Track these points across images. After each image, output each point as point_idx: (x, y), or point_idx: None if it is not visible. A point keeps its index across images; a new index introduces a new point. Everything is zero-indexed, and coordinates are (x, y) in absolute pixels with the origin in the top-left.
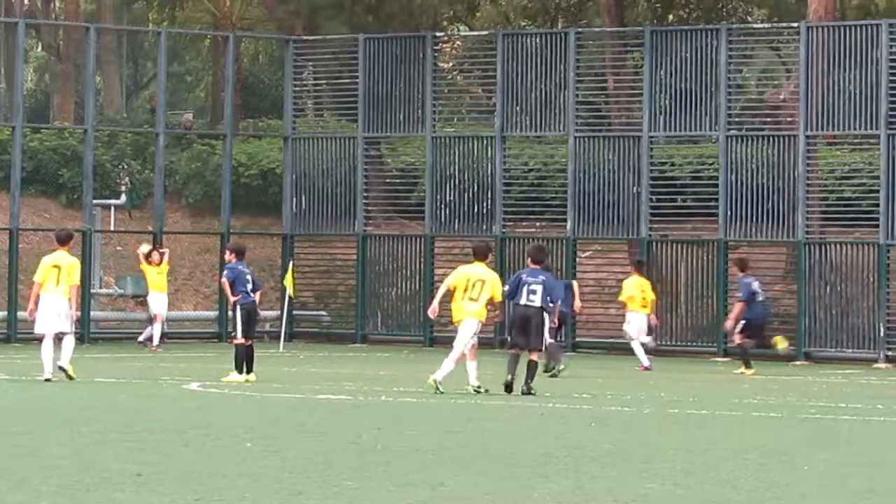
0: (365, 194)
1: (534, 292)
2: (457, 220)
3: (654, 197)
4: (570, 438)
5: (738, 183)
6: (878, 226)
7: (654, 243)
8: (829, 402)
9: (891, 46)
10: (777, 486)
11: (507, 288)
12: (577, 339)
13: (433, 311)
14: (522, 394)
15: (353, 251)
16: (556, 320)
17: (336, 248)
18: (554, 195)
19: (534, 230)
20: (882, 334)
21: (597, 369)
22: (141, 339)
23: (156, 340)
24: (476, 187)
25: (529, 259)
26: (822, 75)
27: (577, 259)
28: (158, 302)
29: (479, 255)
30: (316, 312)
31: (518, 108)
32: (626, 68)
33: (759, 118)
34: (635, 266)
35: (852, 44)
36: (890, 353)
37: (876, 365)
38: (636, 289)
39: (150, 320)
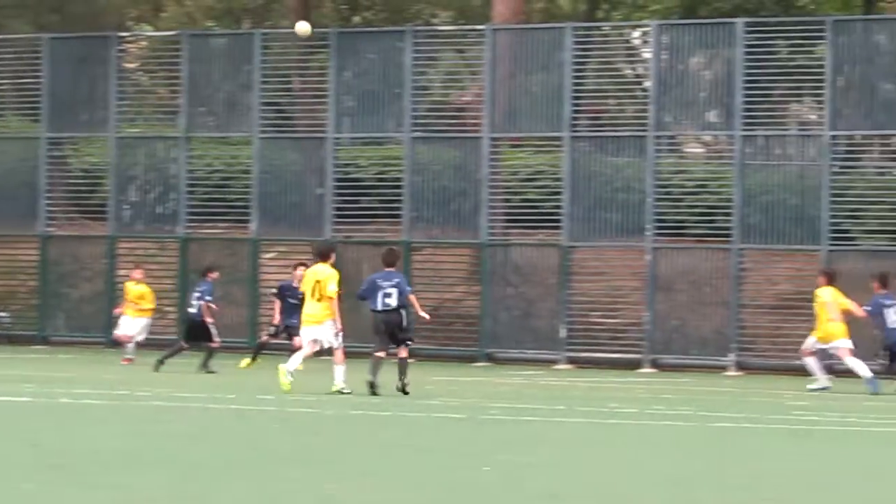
0: (48, 195)
1: (389, 296)
2: (140, 221)
3: (338, 198)
4: (254, 440)
5: (423, 185)
6: (560, 228)
7: (337, 245)
8: (511, 404)
9: (574, 50)
10: (458, 487)
11: (361, 289)
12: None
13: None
14: (398, 390)
15: (35, 252)
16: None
17: (17, 249)
18: (238, 196)
19: (218, 231)
20: (563, 336)
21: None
22: None
23: None
24: (160, 188)
25: (382, 262)
26: (506, 78)
27: (261, 260)
28: None
29: (321, 255)
30: None
31: (203, 109)
32: (311, 70)
33: (444, 120)
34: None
35: (537, 47)
36: (570, 355)
37: (556, 366)
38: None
39: None
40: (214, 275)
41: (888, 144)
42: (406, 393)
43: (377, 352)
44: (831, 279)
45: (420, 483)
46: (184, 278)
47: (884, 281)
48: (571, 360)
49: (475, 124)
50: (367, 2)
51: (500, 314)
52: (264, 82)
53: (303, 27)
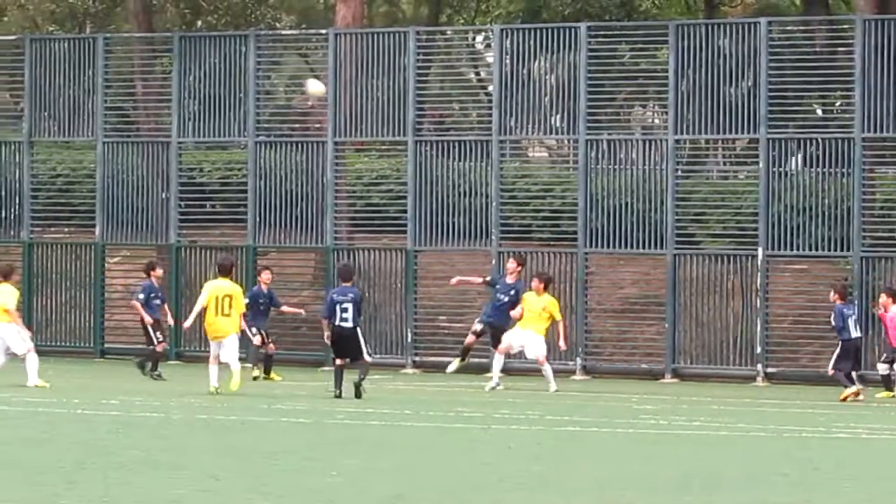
0: None
1: (346, 310)
2: None
3: (182, 203)
4: (98, 445)
5: (268, 189)
6: (405, 231)
7: (182, 249)
8: (357, 408)
9: (418, 54)
10: (305, 491)
11: (324, 308)
12: (107, 346)
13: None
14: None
15: None
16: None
17: None
18: (83, 201)
19: (62, 235)
20: (410, 340)
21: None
22: None
23: None
24: (3, 193)
25: (339, 277)
26: (350, 82)
27: (107, 265)
28: None
29: (223, 271)
30: None
31: (46, 114)
32: (154, 74)
33: (288, 124)
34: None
35: (380, 51)
36: (417, 359)
37: (404, 370)
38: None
39: None
40: (158, 272)
41: (731, 148)
42: (361, 393)
43: (337, 360)
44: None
45: (264, 489)
46: (29, 283)
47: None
48: (417, 365)
49: (319, 128)
50: (209, 6)
51: None
52: (108, 86)
53: (315, 87)
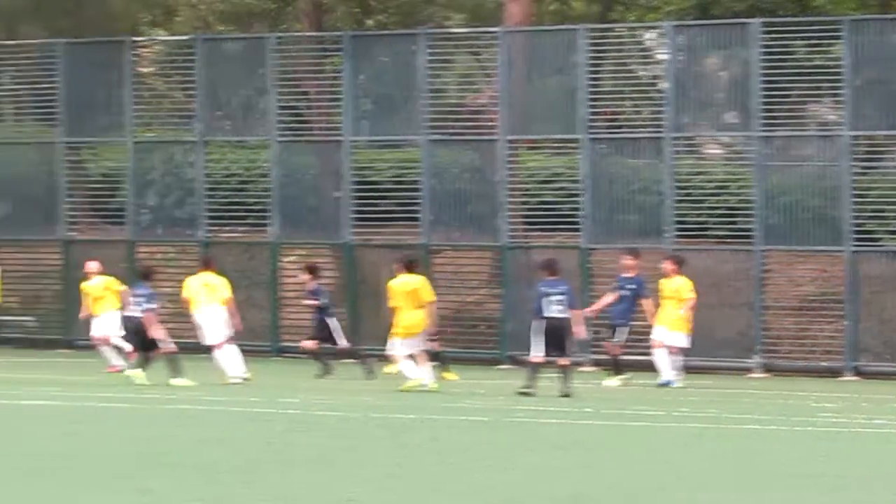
0: (68, 199)
1: (560, 301)
2: (159, 225)
3: (356, 201)
4: (275, 443)
5: (441, 187)
6: (579, 230)
7: (356, 248)
8: (535, 406)
9: (588, 52)
10: (483, 489)
11: (534, 304)
12: (284, 345)
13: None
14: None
15: (58, 256)
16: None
17: (40, 254)
18: (257, 200)
19: (237, 235)
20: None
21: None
22: None
23: None
24: (178, 192)
25: (543, 271)
26: (521, 80)
27: (280, 264)
28: None
29: (409, 267)
30: (21, 318)
31: (219, 114)
32: (325, 73)
33: (460, 123)
34: None
35: (550, 49)
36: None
37: (581, 368)
38: None
39: None
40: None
41: None
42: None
43: (535, 356)
44: None
45: (444, 486)
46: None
47: None
48: (595, 363)
49: (491, 127)
50: (379, 5)
51: (523, 316)
52: (279, 86)
53: None
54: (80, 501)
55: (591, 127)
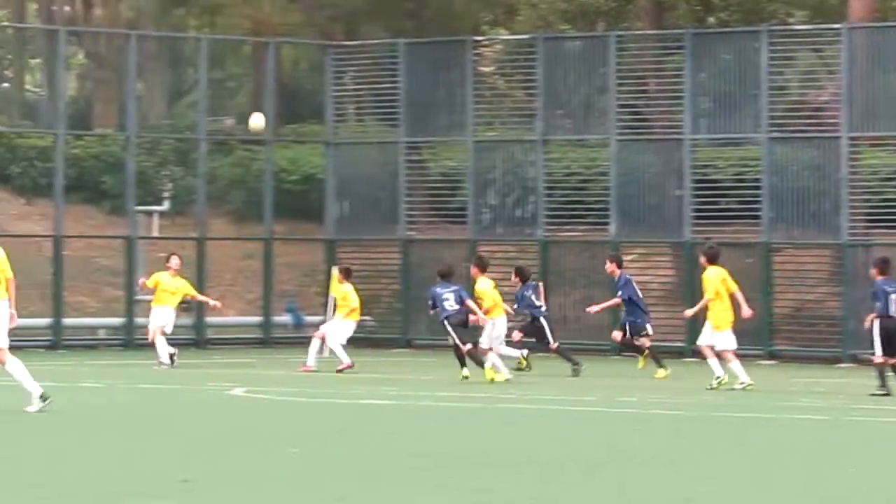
0: (407, 199)
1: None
2: (499, 225)
3: (696, 200)
4: (615, 442)
5: (781, 185)
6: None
7: (696, 246)
8: (876, 405)
9: None
10: (816, 487)
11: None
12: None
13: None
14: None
15: (397, 256)
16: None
17: (380, 253)
18: (596, 199)
19: (576, 234)
20: None
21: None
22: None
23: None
24: (518, 191)
25: (876, 269)
26: (864, 76)
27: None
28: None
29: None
30: (361, 318)
31: (559, 112)
32: (666, 71)
33: (802, 120)
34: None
35: (894, 45)
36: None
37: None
38: None
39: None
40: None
41: None
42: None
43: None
44: None
45: (774, 485)
46: (545, 280)
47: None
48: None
49: (833, 124)
50: (721, 2)
51: (865, 315)
52: (620, 84)
53: (256, 122)
54: (415, 501)
55: None
